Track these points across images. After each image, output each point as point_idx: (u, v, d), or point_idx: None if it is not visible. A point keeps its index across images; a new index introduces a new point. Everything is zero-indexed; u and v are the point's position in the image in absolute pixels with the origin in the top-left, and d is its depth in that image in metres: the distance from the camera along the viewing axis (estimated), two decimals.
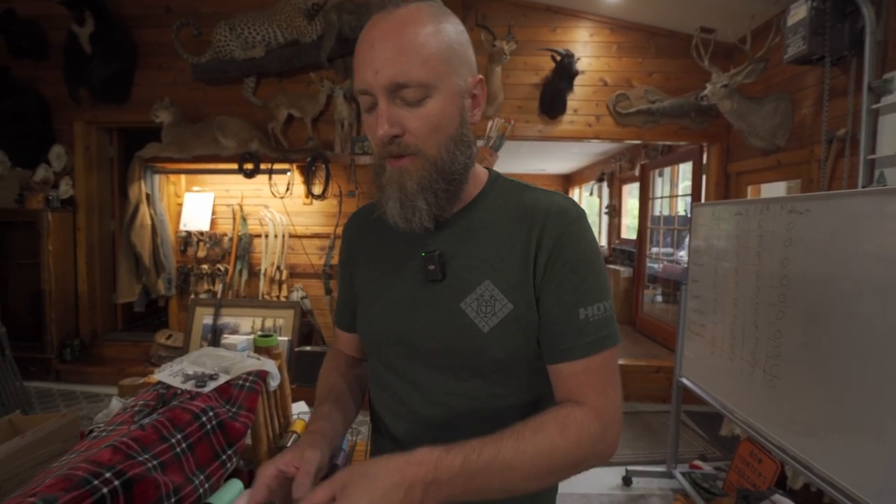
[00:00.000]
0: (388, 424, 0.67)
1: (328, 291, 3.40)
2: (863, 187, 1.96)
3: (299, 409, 2.19)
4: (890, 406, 1.18)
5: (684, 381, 2.25)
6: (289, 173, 3.37)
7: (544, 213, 0.59)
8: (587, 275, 0.57)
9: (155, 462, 1.07)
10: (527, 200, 0.61)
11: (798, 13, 2.16)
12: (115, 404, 1.70)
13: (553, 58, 3.12)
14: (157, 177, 3.54)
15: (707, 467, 2.32)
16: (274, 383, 1.55)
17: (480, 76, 0.60)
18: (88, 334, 3.62)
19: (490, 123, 3.09)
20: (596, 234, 0.67)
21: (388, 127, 0.54)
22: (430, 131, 0.55)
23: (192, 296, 3.48)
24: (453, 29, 0.56)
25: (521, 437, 0.50)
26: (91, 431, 1.33)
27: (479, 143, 3.29)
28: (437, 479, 0.46)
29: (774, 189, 3.09)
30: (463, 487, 0.48)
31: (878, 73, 1.95)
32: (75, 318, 3.59)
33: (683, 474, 2.22)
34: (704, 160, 3.47)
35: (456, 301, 0.59)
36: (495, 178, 0.65)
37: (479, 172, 0.65)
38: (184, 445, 1.17)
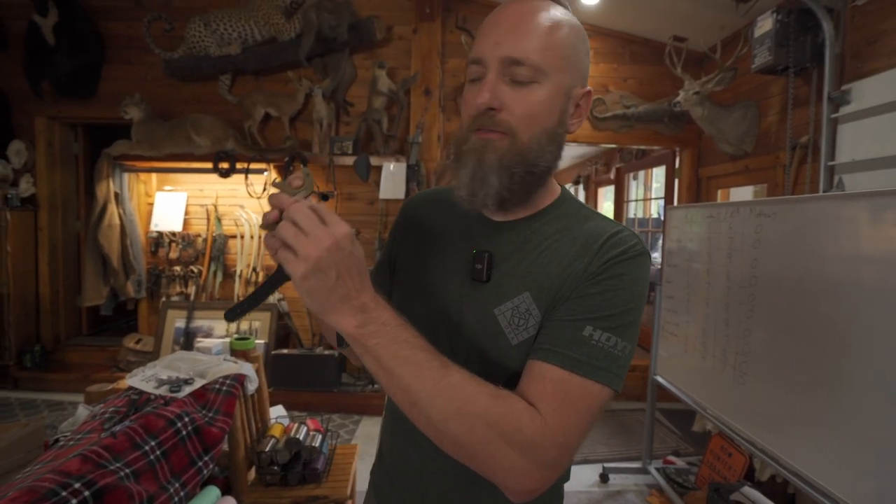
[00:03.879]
0: (401, 413, 0.66)
1: None
2: (823, 192, 2.06)
3: (277, 413, 2.15)
4: (848, 399, 1.25)
5: (659, 379, 2.31)
6: (265, 173, 3.30)
7: (604, 240, 0.56)
8: (615, 304, 0.53)
9: (127, 470, 1.03)
10: (592, 226, 0.59)
11: (764, 25, 2.26)
12: (83, 412, 1.64)
13: None
14: (126, 175, 3.41)
15: (680, 462, 2.39)
16: (252, 387, 1.52)
17: (590, 89, 0.59)
18: (50, 339, 3.45)
19: None
20: None
21: (488, 97, 0.54)
22: (527, 116, 0.55)
23: (164, 298, 3.37)
24: (576, 35, 0.57)
25: (455, 369, 0.49)
26: (57, 441, 1.28)
27: None
28: (367, 308, 0.47)
29: (742, 193, 3.22)
30: (382, 348, 0.47)
31: (836, 84, 2.06)
32: (36, 322, 3.42)
33: (658, 470, 2.28)
34: (677, 164, 3.59)
35: (491, 306, 0.58)
36: (566, 196, 0.64)
37: (554, 186, 0.64)
38: (158, 453, 1.13)
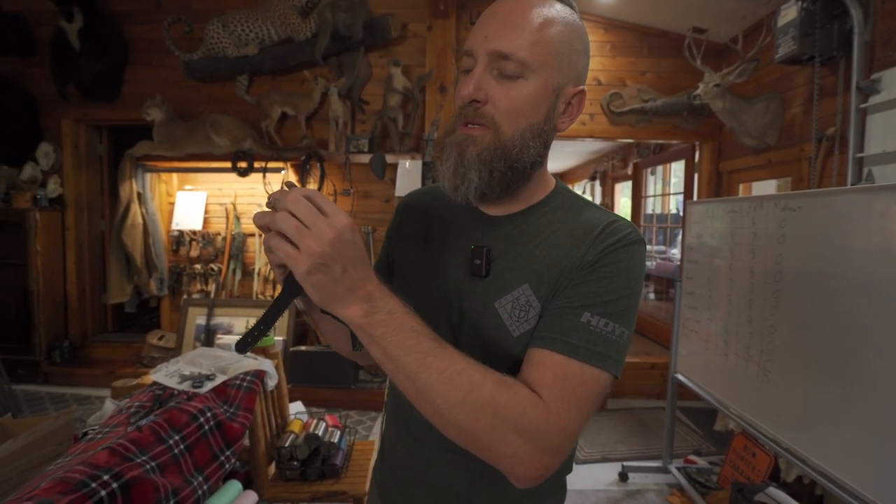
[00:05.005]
0: (404, 409, 0.67)
1: None
2: (852, 185, 1.99)
3: (296, 408, 2.18)
4: (877, 398, 1.21)
5: (679, 377, 2.27)
6: (283, 172, 3.34)
7: (600, 229, 0.57)
8: (612, 291, 0.53)
9: (153, 464, 1.06)
10: (588, 217, 0.59)
11: (788, 14, 2.19)
12: (109, 406, 1.69)
13: None
14: (148, 175, 3.49)
15: (702, 462, 2.34)
16: (271, 383, 1.55)
17: (583, 88, 0.59)
18: (78, 336, 3.56)
19: None
20: None
21: (473, 89, 0.55)
22: (512, 110, 0.55)
23: (185, 296, 3.45)
24: (572, 33, 0.57)
25: (460, 356, 0.49)
26: (85, 434, 1.32)
27: None
28: (373, 297, 0.47)
29: (765, 187, 3.13)
30: (388, 337, 0.47)
31: (866, 73, 1.99)
32: (64, 319, 3.53)
33: (679, 469, 2.24)
34: (696, 158, 3.51)
35: (492, 299, 0.58)
36: (561, 188, 0.65)
37: (548, 179, 0.65)
38: (182, 447, 1.16)
